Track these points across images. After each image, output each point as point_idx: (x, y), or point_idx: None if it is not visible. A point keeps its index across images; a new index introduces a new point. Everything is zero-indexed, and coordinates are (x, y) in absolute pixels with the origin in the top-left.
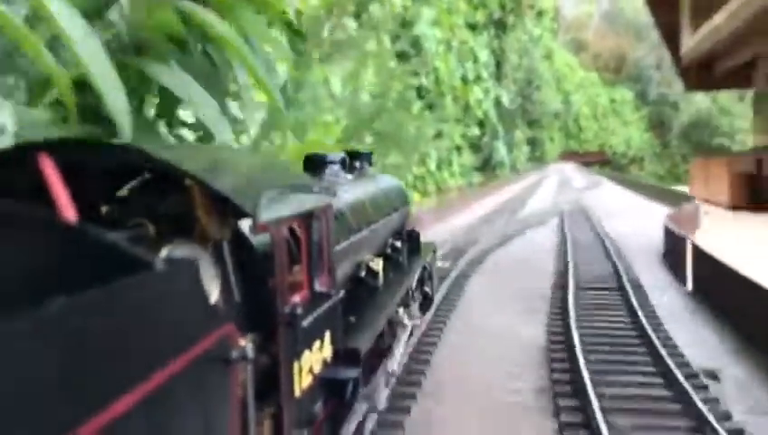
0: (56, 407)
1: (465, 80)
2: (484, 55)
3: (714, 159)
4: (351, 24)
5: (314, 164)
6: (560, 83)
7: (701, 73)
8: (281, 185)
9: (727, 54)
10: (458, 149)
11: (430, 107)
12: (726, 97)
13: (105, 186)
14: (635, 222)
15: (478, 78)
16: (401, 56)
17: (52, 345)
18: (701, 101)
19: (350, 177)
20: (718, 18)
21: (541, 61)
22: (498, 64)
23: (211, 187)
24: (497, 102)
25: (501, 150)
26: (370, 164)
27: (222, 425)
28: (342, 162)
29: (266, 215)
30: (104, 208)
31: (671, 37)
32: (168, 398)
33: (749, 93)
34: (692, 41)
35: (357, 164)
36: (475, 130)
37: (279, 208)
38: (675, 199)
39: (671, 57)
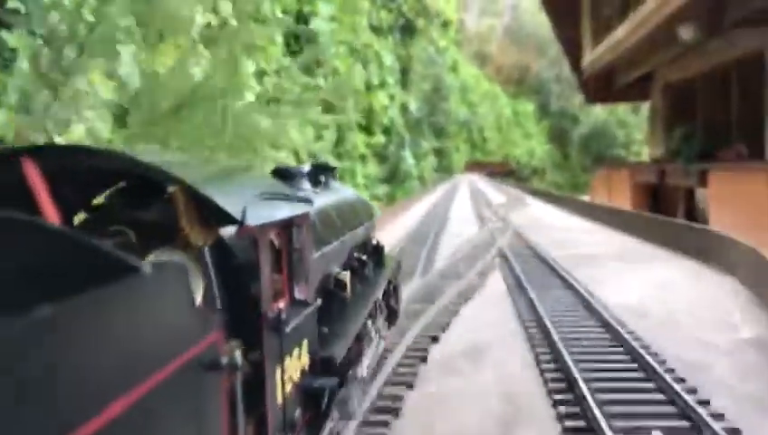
0: (41, 415)
1: (369, 85)
2: (389, 60)
3: (616, 169)
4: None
5: (280, 176)
6: (465, 94)
7: (600, 87)
8: (262, 192)
9: (626, 67)
10: (363, 157)
11: (329, 110)
12: (624, 110)
13: (89, 191)
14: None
15: (383, 84)
16: (296, 53)
17: (38, 351)
18: (599, 113)
19: (316, 190)
20: (620, 31)
21: (447, 71)
22: (404, 71)
23: (199, 193)
24: (404, 109)
25: (408, 160)
26: (335, 178)
27: (212, 432)
28: (308, 175)
29: (253, 221)
30: (84, 215)
31: (572, 51)
32: (157, 405)
33: (644, 106)
34: (593, 54)
35: (322, 178)
36: (381, 138)
37: (263, 215)
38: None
39: (572, 71)
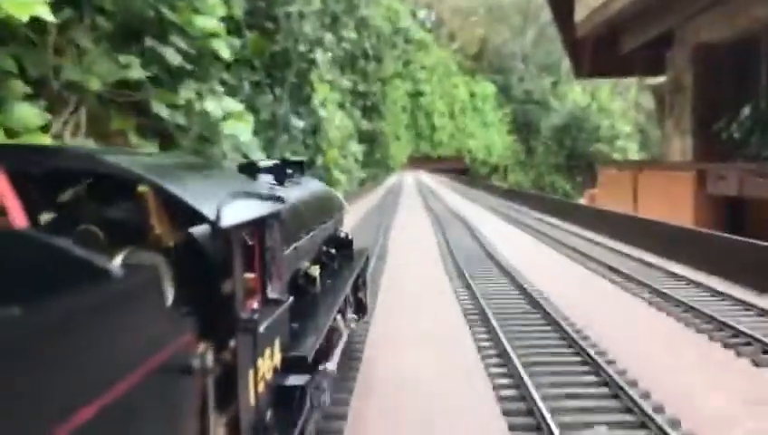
0: (7, 419)
1: None
2: None
3: (658, 173)
4: None
5: (247, 172)
6: (408, 65)
7: (599, 53)
8: (233, 190)
9: (639, 23)
10: None
11: None
12: (606, 92)
13: (54, 191)
14: None
15: None
16: None
17: (4, 355)
18: (577, 98)
19: (285, 184)
20: None
21: (383, 20)
22: None
23: (170, 192)
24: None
25: (294, 131)
26: (303, 172)
27: (184, 434)
28: (277, 170)
29: (226, 220)
30: (50, 215)
31: (561, 8)
32: (128, 408)
33: (630, 87)
34: (592, 2)
35: (289, 171)
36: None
37: (236, 214)
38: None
39: (559, 30)
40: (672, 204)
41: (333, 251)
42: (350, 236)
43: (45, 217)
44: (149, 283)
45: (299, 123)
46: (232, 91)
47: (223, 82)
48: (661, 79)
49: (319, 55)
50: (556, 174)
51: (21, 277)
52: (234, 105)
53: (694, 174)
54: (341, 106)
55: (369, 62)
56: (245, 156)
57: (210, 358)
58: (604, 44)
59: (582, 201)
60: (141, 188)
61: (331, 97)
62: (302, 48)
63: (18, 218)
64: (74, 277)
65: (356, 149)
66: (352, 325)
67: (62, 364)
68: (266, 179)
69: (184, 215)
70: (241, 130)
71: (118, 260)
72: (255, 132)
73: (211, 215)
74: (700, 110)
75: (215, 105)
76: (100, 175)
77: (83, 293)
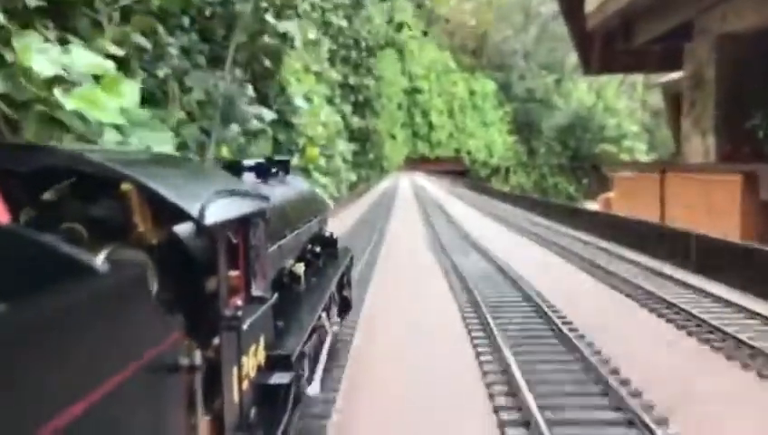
0: None
1: None
2: None
3: (691, 176)
4: None
5: (231, 170)
6: (404, 62)
7: (610, 46)
8: (217, 189)
9: (656, 12)
10: None
11: None
12: (612, 91)
13: (37, 190)
14: None
15: None
16: None
17: None
18: (582, 97)
19: (270, 183)
20: None
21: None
22: None
23: (153, 190)
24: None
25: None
26: (287, 171)
27: (171, 432)
28: (262, 168)
29: (210, 218)
30: (32, 212)
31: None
32: (116, 407)
33: (636, 85)
34: None
35: (274, 170)
36: None
37: (220, 212)
38: None
39: (567, 21)
40: (712, 212)
41: (318, 249)
42: (334, 235)
43: (28, 215)
44: (135, 279)
45: (267, 114)
46: (123, 66)
47: (120, 43)
48: (672, 75)
49: (291, 27)
50: (559, 176)
51: (5, 273)
52: (91, 60)
53: (741, 178)
54: (330, 100)
55: (361, 54)
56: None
57: (198, 355)
58: (616, 37)
59: (596, 207)
60: (125, 186)
61: (317, 89)
62: (263, 3)
63: (1, 215)
64: (59, 274)
65: (344, 148)
66: (335, 328)
67: (47, 362)
68: (251, 178)
69: (168, 213)
70: (108, 106)
71: (101, 257)
72: (181, 124)
73: (195, 213)
74: (724, 106)
75: (45, 61)
76: (83, 173)
77: (68, 289)
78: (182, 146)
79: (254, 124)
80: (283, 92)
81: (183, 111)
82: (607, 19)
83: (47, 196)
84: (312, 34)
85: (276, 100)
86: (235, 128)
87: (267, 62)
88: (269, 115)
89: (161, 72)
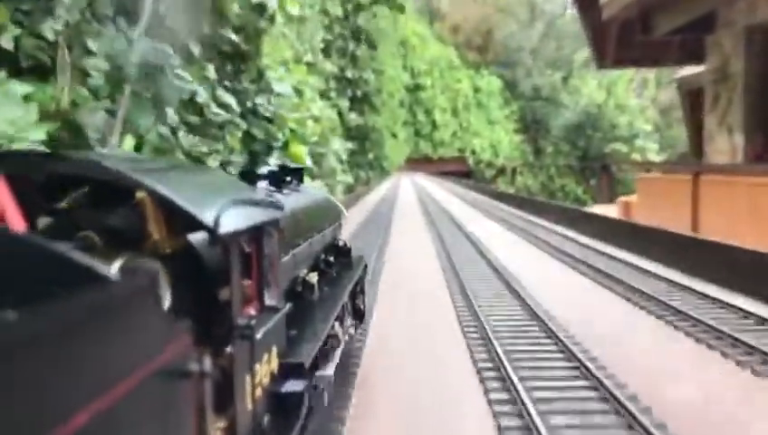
0: (3, 424)
1: None
2: None
3: (735, 180)
4: None
5: (246, 178)
6: (406, 59)
7: (626, 39)
8: (232, 198)
9: (677, 2)
10: None
11: None
12: (623, 87)
13: (53, 197)
14: None
15: None
16: None
17: (2, 359)
18: (592, 94)
19: (284, 191)
20: None
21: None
22: None
23: (168, 199)
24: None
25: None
26: (302, 179)
27: None
28: (276, 176)
29: (224, 227)
30: (48, 220)
31: None
32: (125, 414)
33: (648, 81)
34: None
35: (288, 178)
36: None
37: (235, 221)
38: None
39: (579, 12)
40: (763, 222)
41: (332, 259)
42: (348, 244)
43: (44, 223)
44: (147, 288)
45: (229, 100)
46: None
47: None
48: (688, 70)
49: None
50: (567, 177)
51: (19, 281)
52: None
53: None
54: (323, 94)
55: (359, 46)
56: None
57: (208, 362)
58: (633, 29)
59: (611, 212)
60: (140, 195)
61: (308, 81)
62: None
63: (17, 223)
64: (73, 282)
65: (339, 146)
66: (351, 331)
67: (59, 369)
68: (265, 186)
69: (182, 221)
70: None
71: (115, 266)
72: (81, 103)
73: (209, 222)
74: (754, 100)
75: None
76: (99, 181)
77: (81, 298)
78: (77, 134)
79: (220, 115)
80: (260, 78)
81: (84, 86)
82: (624, 9)
83: (63, 203)
84: (295, 10)
85: (253, 86)
86: (170, 113)
87: (236, 38)
88: (232, 102)
89: (48, 31)
